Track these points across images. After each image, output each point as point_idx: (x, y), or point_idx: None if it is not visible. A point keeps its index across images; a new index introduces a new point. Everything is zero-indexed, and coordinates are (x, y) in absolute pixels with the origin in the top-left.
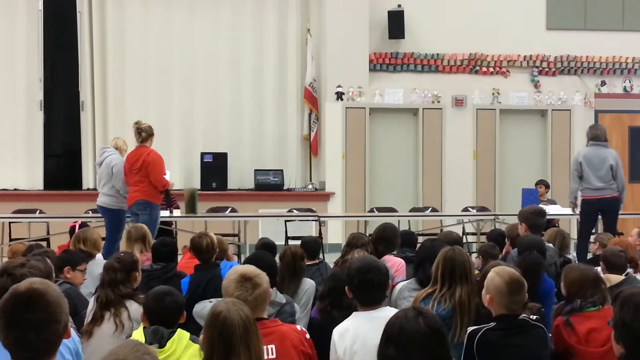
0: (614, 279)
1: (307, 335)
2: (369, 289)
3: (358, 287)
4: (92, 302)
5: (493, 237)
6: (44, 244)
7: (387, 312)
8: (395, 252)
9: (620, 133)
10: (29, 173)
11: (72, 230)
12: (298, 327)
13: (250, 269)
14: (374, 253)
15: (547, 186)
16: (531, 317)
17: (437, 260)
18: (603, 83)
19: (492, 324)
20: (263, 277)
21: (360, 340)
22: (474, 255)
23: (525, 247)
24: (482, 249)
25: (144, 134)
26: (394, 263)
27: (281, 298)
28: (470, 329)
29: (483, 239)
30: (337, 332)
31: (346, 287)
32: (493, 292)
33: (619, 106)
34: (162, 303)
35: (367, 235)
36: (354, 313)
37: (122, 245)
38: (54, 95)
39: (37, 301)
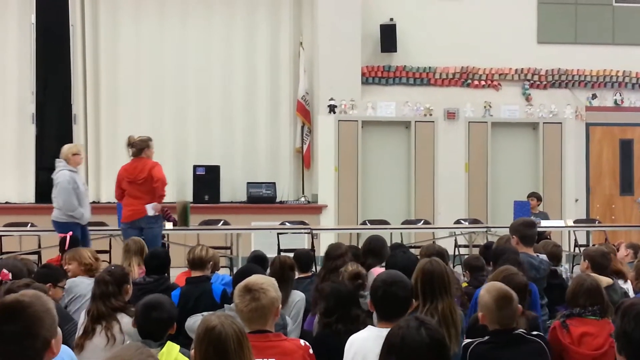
0: (605, 281)
1: (311, 351)
2: (392, 303)
3: (381, 299)
4: (83, 315)
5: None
6: (35, 257)
7: None
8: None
9: (611, 146)
10: (20, 186)
11: (62, 241)
12: (302, 342)
13: (256, 280)
14: (362, 265)
15: (539, 199)
16: (532, 333)
17: (415, 274)
18: (594, 96)
19: (486, 338)
20: (268, 292)
21: (360, 355)
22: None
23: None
24: (466, 262)
25: (133, 149)
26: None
27: None
28: (465, 341)
29: (475, 251)
30: (350, 340)
31: (368, 300)
32: (484, 309)
33: (610, 119)
34: (149, 316)
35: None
36: (369, 327)
37: (120, 259)
38: (46, 108)
39: (16, 313)
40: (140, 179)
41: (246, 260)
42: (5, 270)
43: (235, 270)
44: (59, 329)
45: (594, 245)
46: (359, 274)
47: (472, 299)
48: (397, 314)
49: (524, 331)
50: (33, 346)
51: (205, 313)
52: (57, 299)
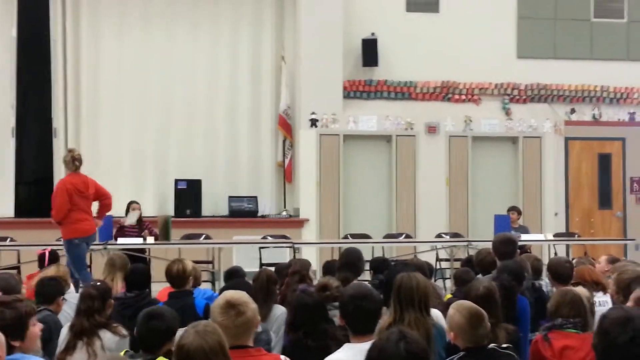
0: (583, 292)
1: None
2: (363, 318)
3: (352, 315)
4: (65, 330)
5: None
6: (15, 272)
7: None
8: (369, 279)
9: (590, 160)
10: None
11: (40, 257)
12: (282, 357)
13: (237, 295)
14: (339, 279)
15: (519, 212)
16: (502, 346)
17: (393, 287)
18: (573, 111)
19: (461, 354)
20: (249, 305)
21: None
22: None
23: (500, 272)
24: (456, 275)
25: (77, 163)
26: None
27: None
28: None
29: (456, 264)
30: None
31: (339, 315)
32: (455, 329)
33: (589, 133)
34: (147, 324)
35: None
36: (346, 345)
37: (103, 273)
38: (27, 122)
39: None
40: (90, 194)
41: (223, 276)
42: None
43: (217, 284)
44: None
45: (573, 258)
46: (327, 285)
47: None
48: (369, 327)
49: (497, 345)
50: None
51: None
52: (58, 313)
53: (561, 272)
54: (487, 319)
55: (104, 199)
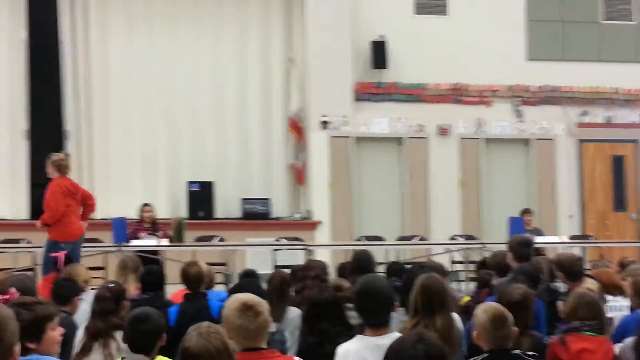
0: (595, 286)
1: None
2: (372, 311)
3: (361, 309)
4: (81, 332)
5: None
6: (30, 274)
7: (393, 339)
8: None
9: (603, 162)
10: (13, 202)
11: (56, 261)
12: (296, 358)
13: (251, 297)
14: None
15: (532, 213)
16: (527, 353)
17: (415, 289)
18: (585, 113)
19: (485, 355)
20: (264, 306)
21: None
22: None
23: (516, 274)
24: (479, 276)
25: (68, 167)
26: None
27: (272, 327)
28: None
29: (471, 267)
30: (341, 351)
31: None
32: (479, 328)
33: (601, 135)
34: (137, 329)
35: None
36: (358, 336)
37: (115, 275)
38: (39, 124)
39: None
40: (79, 197)
41: (238, 278)
42: (12, 289)
43: (231, 286)
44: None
45: (590, 261)
46: (340, 286)
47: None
48: (380, 321)
49: (522, 352)
50: None
51: None
52: (74, 313)
53: (573, 270)
54: (512, 322)
55: (89, 201)
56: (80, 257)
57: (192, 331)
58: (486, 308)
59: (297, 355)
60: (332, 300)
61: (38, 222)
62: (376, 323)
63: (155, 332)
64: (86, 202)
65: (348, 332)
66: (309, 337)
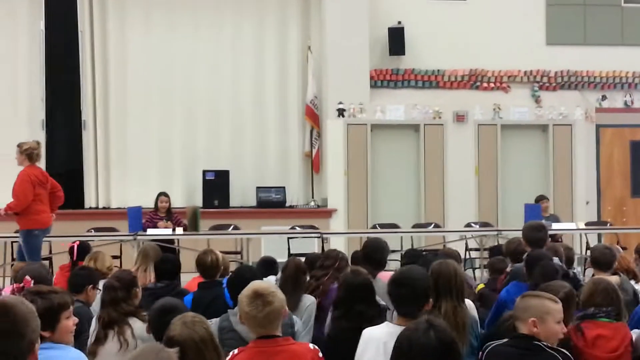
0: (615, 280)
1: (320, 354)
2: (404, 301)
3: (394, 297)
4: (94, 323)
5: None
6: (47, 263)
7: None
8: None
9: (621, 147)
10: None
11: (71, 250)
12: (311, 345)
13: (264, 285)
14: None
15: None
16: (550, 346)
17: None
18: (604, 97)
19: (504, 340)
20: (277, 295)
21: (383, 349)
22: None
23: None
24: (490, 262)
25: (39, 155)
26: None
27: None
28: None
29: (486, 254)
30: (367, 334)
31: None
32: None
33: (620, 120)
34: (165, 319)
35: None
36: (386, 322)
37: (135, 264)
38: (56, 115)
39: (4, 312)
40: (48, 186)
41: (257, 265)
42: (28, 277)
43: None
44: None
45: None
46: (358, 272)
47: (497, 302)
48: (411, 312)
49: (544, 344)
50: (18, 345)
51: (213, 320)
52: (91, 302)
53: (601, 260)
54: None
55: (57, 191)
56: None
57: (176, 320)
58: (541, 293)
59: (328, 340)
60: (367, 283)
61: (1, 210)
62: (405, 312)
63: None
64: (54, 193)
65: (381, 315)
66: (342, 321)
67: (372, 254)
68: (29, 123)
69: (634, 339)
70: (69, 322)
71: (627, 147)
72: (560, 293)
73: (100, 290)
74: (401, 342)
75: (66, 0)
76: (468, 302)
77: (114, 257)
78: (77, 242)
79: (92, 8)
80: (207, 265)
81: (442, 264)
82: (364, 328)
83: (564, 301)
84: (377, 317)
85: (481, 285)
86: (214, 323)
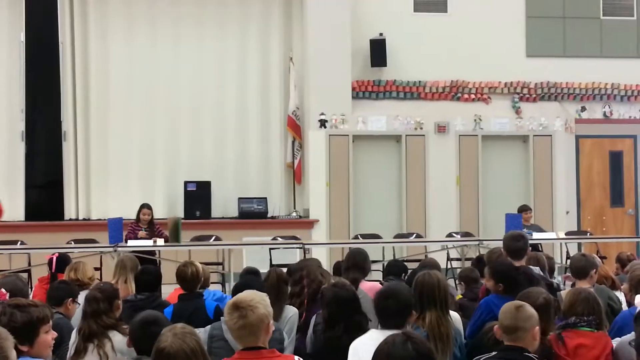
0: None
1: None
2: (387, 315)
3: (379, 310)
4: (74, 335)
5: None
6: (25, 275)
7: None
8: (379, 279)
9: (601, 158)
10: (10, 204)
11: (50, 262)
12: (296, 358)
13: (244, 296)
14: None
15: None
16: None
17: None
18: (583, 109)
19: (493, 353)
20: (256, 307)
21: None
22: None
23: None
24: (462, 274)
25: None
26: (371, 287)
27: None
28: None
29: (467, 264)
30: (356, 345)
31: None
32: (500, 321)
33: (599, 131)
34: (147, 331)
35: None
36: (372, 330)
37: (114, 276)
38: (36, 126)
39: None
40: None
41: (239, 276)
42: (3, 290)
43: (227, 286)
44: None
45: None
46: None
47: (477, 311)
48: (394, 324)
49: (536, 356)
50: None
51: (201, 329)
52: (71, 316)
53: (577, 267)
54: (534, 320)
55: None
56: None
57: (166, 332)
58: (515, 302)
59: (314, 351)
60: (354, 294)
61: None
62: (391, 325)
63: None
64: None
65: (366, 325)
66: (335, 334)
67: (360, 262)
68: (9, 134)
69: (614, 348)
70: (48, 337)
71: (607, 158)
72: (540, 299)
73: (79, 304)
74: (379, 354)
75: (47, 11)
76: (454, 314)
77: (94, 269)
78: (56, 254)
79: (72, 19)
80: (187, 278)
81: (426, 275)
82: (346, 338)
83: (543, 307)
84: (367, 325)
85: (459, 296)
86: (202, 332)
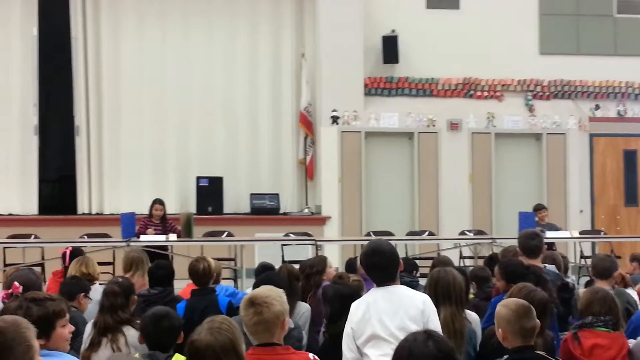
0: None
1: None
2: (376, 270)
3: (367, 268)
4: (89, 327)
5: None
6: (39, 269)
7: (399, 289)
8: None
9: (615, 156)
10: (23, 198)
11: (63, 256)
12: (311, 355)
13: (260, 292)
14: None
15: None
16: (552, 357)
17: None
18: (597, 107)
19: (504, 357)
20: (272, 304)
21: (372, 308)
22: None
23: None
24: (473, 273)
25: None
26: None
27: (289, 323)
28: None
29: (480, 262)
30: (354, 305)
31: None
32: (503, 323)
33: (614, 130)
34: (158, 326)
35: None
36: (372, 289)
37: (128, 269)
38: (49, 120)
39: None
40: None
41: (252, 272)
42: (16, 283)
43: (240, 282)
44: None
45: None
46: (342, 277)
47: (488, 311)
48: (385, 278)
49: (545, 354)
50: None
51: None
52: (83, 310)
53: (600, 267)
54: (535, 314)
55: None
56: None
57: (204, 324)
58: (507, 303)
59: (325, 345)
60: (351, 293)
61: None
62: (382, 278)
63: (176, 329)
64: None
65: None
66: (331, 327)
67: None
68: (22, 128)
69: (630, 348)
70: (65, 330)
71: (621, 156)
72: (537, 299)
73: (91, 299)
74: (400, 351)
75: (59, 6)
76: (472, 314)
77: (107, 263)
78: (70, 248)
79: (85, 14)
80: (199, 273)
81: (441, 271)
82: None
83: (538, 306)
84: None
85: (471, 296)
86: None
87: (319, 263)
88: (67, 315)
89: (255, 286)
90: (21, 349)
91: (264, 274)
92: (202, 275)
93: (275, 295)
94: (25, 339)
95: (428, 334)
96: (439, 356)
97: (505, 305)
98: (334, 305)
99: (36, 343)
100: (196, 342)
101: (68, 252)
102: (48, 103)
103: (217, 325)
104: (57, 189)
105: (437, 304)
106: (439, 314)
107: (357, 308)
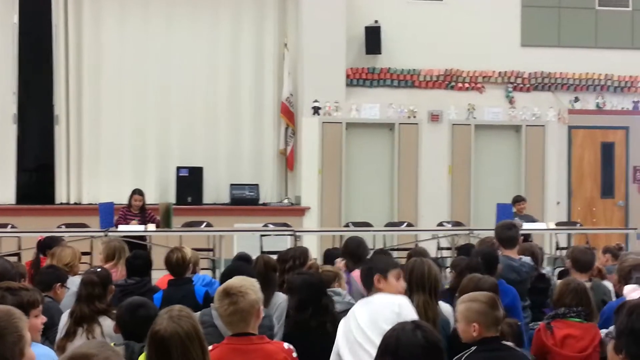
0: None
1: (295, 354)
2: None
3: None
4: (65, 317)
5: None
6: (15, 259)
7: (377, 297)
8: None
9: (592, 149)
10: (0, 187)
11: (39, 244)
12: (285, 345)
13: (234, 283)
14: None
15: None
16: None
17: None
18: (576, 99)
19: (473, 348)
20: (246, 293)
21: (352, 318)
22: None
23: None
24: (454, 263)
25: None
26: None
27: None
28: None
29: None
30: (342, 321)
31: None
32: (479, 318)
33: (592, 122)
34: (134, 316)
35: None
36: (360, 300)
37: (108, 259)
38: (28, 109)
39: None
40: None
41: (230, 262)
42: None
43: (218, 272)
44: (30, 351)
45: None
46: (314, 267)
47: None
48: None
49: (512, 344)
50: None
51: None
52: (60, 300)
53: (581, 260)
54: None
55: None
56: None
57: (163, 314)
58: (474, 297)
59: (288, 333)
60: (318, 282)
61: None
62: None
63: (152, 319)
64: None
65: (331, 305)
66: (299, 315)
67: (355, 250)
68: (1, 117)
69: (601, 339)
70: (37, 321)
71: (598, 149)
72: (488, 285)
73: (68, 288)
74: (387, 340)
75: None
76: (445, 305)
77: (85, 253)
78: (41, 237)
79: (66, 2)
80: (173, 264)
81: (417, 260)
82: (327, 321)
83: (489, 291)
84: (333, 307)
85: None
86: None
87: (301, 255)
88: (40, 306)
89: (223, 276)
90: (12, 338)
91: (231, 265)
92: (176, 265)
93: (248, 284)
94: (17, 329)
95: (416, 324)
96: (426, 346)
97: (475, 300)
98: (301, 293)
99: (27, 334)
100: (161, 332)
101: (38, 240)
102: (27, 91)
103: (177, 313)
104: (35, 178)
105: (410, 293)
106: (411, 302)
107: (342, 324)
